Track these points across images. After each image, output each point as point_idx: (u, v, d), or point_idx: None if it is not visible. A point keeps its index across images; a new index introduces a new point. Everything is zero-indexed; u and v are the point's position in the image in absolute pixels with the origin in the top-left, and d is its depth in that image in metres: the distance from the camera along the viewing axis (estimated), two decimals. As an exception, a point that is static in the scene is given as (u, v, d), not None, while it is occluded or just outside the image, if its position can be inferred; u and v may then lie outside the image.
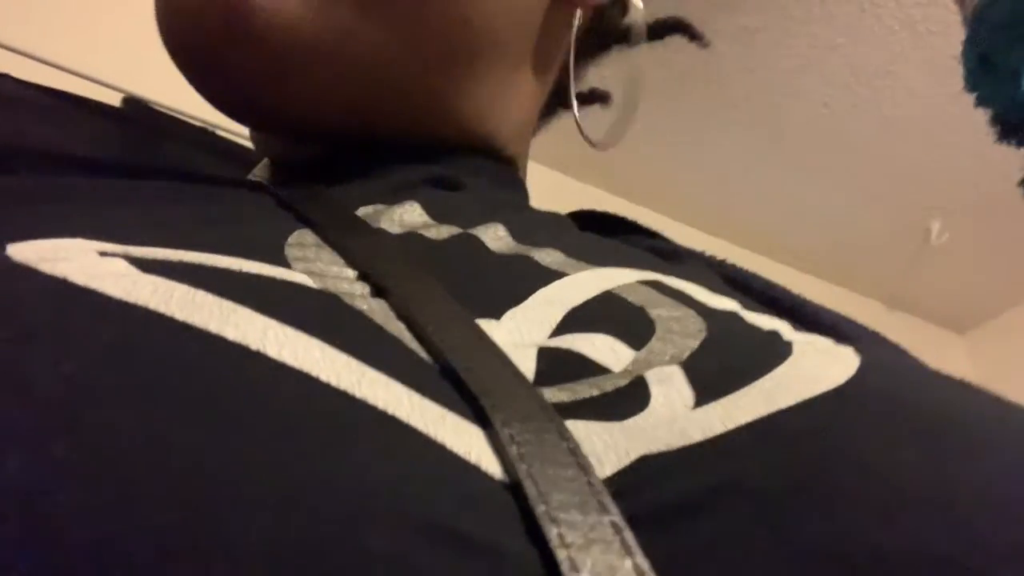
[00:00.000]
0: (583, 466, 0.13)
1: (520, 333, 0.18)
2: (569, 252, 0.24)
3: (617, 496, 0.13)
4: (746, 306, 0.22)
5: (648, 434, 0.15)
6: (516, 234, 0.26)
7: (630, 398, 0.16)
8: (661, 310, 0.20)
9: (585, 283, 0.21)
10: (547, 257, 0.24)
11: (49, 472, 0.11)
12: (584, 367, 0.17)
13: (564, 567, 0.12)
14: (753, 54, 1.40)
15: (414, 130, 0.31)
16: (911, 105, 1.44)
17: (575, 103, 0.35)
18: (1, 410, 0.12)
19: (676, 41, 0.42)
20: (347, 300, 0.18)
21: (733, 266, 0.29)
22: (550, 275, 0.22)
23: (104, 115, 0.36)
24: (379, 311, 0.18)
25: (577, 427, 0.15)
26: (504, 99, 0.33)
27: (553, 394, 0.16)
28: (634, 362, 0.18)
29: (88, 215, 0.19)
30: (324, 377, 0.14)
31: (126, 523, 0.11)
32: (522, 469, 0.13)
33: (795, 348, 0.18)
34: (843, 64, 1.39)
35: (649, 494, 0.14)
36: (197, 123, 0.44)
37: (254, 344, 0.14)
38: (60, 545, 0.10)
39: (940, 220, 1.66)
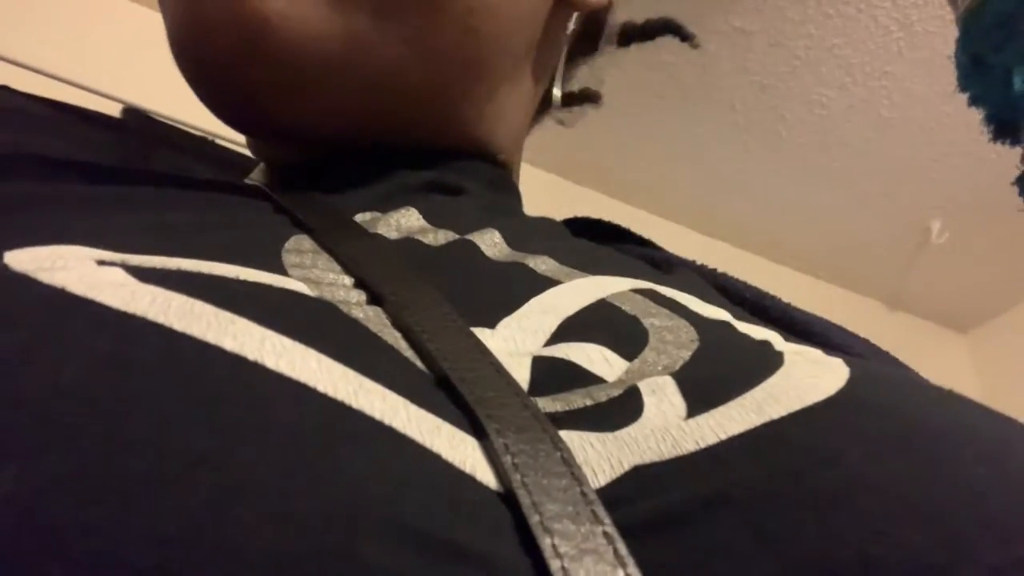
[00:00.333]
0: (577, 476, 0.14)
1: (515, 342, 0.19)
2: (563, 259, 0.24)
3: (610, 506, 0.13)
4: (737, 316, 0.22)
5: (641, 444, 0.15)
6: (511, 241, 0.26)
7: (623, 408, 0.16)
8: (654, 320, 0.20)
9: (579, 291, 0.21)
10: (542, 264, 0.24)
11: (47, 483, 0.11)
12: (578, 377, 0.17)
13: None
14: (749, 56, 1.41)
15: (417, 136, 0.31)
16: (908, 105, 1.44)
17: (558, 93, 0.35)
18: None
19: (670, 44, 0.43)
20: (344, 309, 0.18)
21: (724, 275, 0.29)
22: (545, 283, 0.22)
23: (103, 125, 0.36)
24: (375, 320, 0.18)
25: (571, 437, 0.15)
26: (505, 104, 0.33)
27: (547, 404, 0.16)
28: (627, 372, 0.18)
29: (85, 221, 0.19)
30: (321, 388, 0.14)
31: (125, 534, 0.11)
32: (516, 479, 0.13)
33: (786, 358, 0.18)
34: (839, 65, 1.40)
35: (642, 504, 0.14)
36: (196, 132, 0.44)
37: (252, 354, 0.14)
38: (59, 557, 0.10)
39: (940, 219, 1.66)
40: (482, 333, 0.18)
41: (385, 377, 0.15)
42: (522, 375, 0.17)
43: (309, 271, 0.20)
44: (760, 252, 1.85)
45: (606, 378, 0.17)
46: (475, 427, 0.15)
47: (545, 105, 0.39)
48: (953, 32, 0.42)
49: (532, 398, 0.16)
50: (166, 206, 0.23)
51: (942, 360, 1.87)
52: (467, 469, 0.14)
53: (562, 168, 1.71)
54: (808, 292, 1.85)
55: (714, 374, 0.18)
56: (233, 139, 0.37)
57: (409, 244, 0.24)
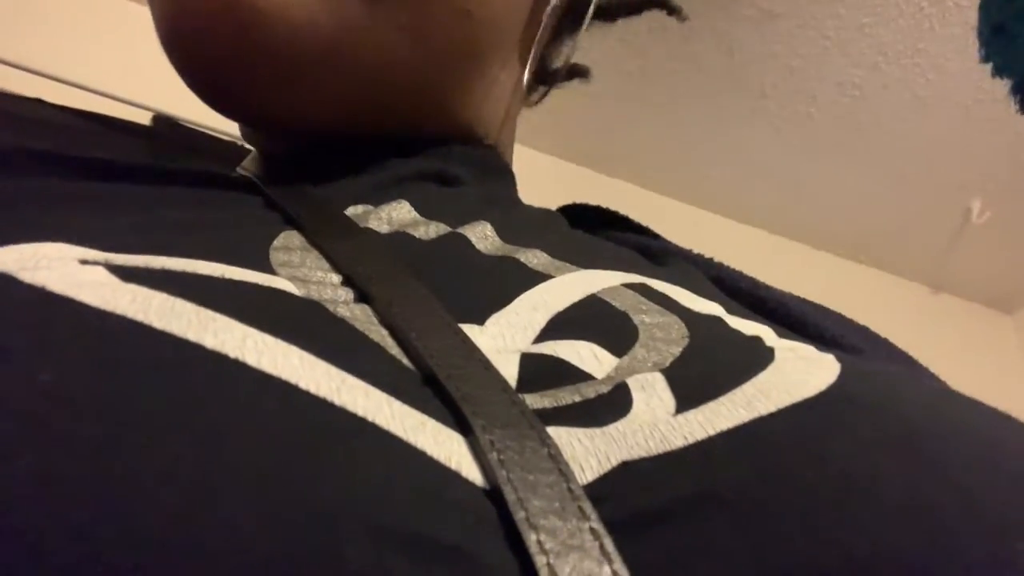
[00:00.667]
0: (563, 472, 0.14)
1: (504, 339, 0.19)
2: (555, 253, 0.24)
3: (597, 502, 0.13)
4: (730, 309, 0.22)
5: (629, 440, 0.15)
6: (503, 233, 0.26)
7: (612, 404, 0.16)
8: (644, 317, 0.20)
9: (569, 286, 0.21)
10: (533, 258, 0.24)
11: (25, 484, 0.11)
12: (567, 373, 0.17)
13: (543, 573, 0.12)
14: (777, 39, 1.39)
15: (408, 123, 0.31)
16: (943, 83, 1.41)
17: (527, 76, 0.35)
18: None
19: (697, 33, 0.42)
20: (330, 307, 0.18)
21: (720, 265, 0.29)
22: (535, 277, 0.22)
23: (134, 133, 0.36)
24: (362, 317, 0.18)
25: (559, 433, 0.15)
26: (493, 86, 0.33)
27: (535, 400, 0.16)
28: (617, 369, 0.18)
29: (73, 218, 0.19)
30: (303, 385, 0.14)
31: (105, 535, 0.11)
32: (502, 475, 0.13)
33: (777, 354, 0.18)
34: (871, 45, 1.37)
35: (629, 500, 0.14)
36: (226, 137, 0.45)
37: (233, 352, 0.14)
38: (38, 558, 0.10)
39: (980, 199, 1.62)
40: (471, 330, 0.18)
41: (369, 374, 0.15)
42: (510, 372, 0.17)
43: (297, 269, 0.20)
44: (800, 239, 1.83)
45: (595, 375, 0.17)
46: (461, 424, 0.15)
47: (541, 80, 0.38)
48: (984, 6, 0.42)
49: (520, 395, 0.16)
50: (156, 203, 0.23)
51: (988, 342, 1.83)
52: (452, 465, 0.14)
53: (594, 161, 1.70)
54: (850, 277, 1.82)
55: (704, 370, 0.18)
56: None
57: (400, 238, 0.24)
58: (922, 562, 0.13)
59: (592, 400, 0.16)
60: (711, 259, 0.30)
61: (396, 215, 0.26)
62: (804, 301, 0.27)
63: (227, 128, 0.36)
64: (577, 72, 0.43)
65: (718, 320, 0.21)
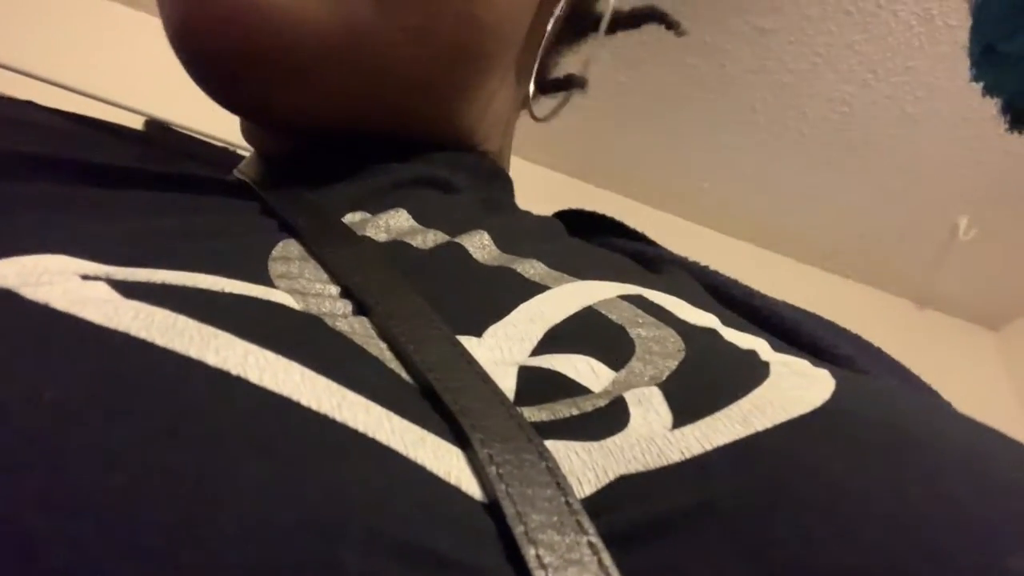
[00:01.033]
0: (562, 486, 0.14)
1: (501, 351, 0.19)
2: (552, 263, 0.24)
3: (595, 516, 0.13)
4: (725, 320, 0.22)
5: (626, 454, 0.15)
6: (501, 243, 0.26)
7: (609, 418, 0.16)
8: (641, 330, 0.20)
9: (566, 298, 0.22)
10: (530, 269, 0.24)
11: (29, 499, 0.11)
12: (564, 387, 0.17)
13: None
14: (769, 55, 1.40)
15: (410, 127, 0.31)
16: (932, 100, 1.42)
17: (532, 88, 0.35)
18: None
19: (691, 45, 0.43)
20: (329, 322, 0.18)
21: (715, 273, 0.29)
22: (532, 288, 0.22)
23: (130, 138, 0.36)
24: (360, 331, 0.18)
25: (556, 447, 0.15)
26: (495, 93, 0.33)
27: (533, 413, 0.16)
28: (613, 382, 0.18)
29: (72, 227, 0.19)
30: (304, 401, 0.14)
31: (106, 547, 0.11)
32: (501, 489, 0.13)
33: (772, 369, 0.18)
34: (861, 62, 1.38)
35: (627, 514, 0.14)
36: (218, 144, 0.45)
37: (235, 369, 0.14)
38: (40, 571, 0.10)
39: (967, 216, 1.64)
40: (468, 342, 0.19)
41: (369, 389, 0.15)
42: (508, 384, 0.17)
43: (295, 281, 0.20)
44: (787, 252, 1.84)
45: (592, 388, 0.18)
46: (460, 437, 0.15)
47: (540, 89, 0.38)
48: (974, 25, 0.42)
49: (518, 408, 0.16)
50: (151, 208, 0.23)
51: (972, 358, 1.84)
52: (452, 480, 0.14)
53: (583, 172, 1.71)
54: (836, 291, 1.83)
55: (700, 385, 0.18)
56: (249, 148, 0.38)
57: (397, 248, 0.24)
58: (913, 572, 0.13)
59: (590, 414, 0.17)
60: (706, 267, 0.30)
61: (394, 223, 0.26)
62: (797, 310, 0.27)
63: (219, 133, 0.36)
64: (575, 83, 0.43)
65: (713, 333, 0.21)
